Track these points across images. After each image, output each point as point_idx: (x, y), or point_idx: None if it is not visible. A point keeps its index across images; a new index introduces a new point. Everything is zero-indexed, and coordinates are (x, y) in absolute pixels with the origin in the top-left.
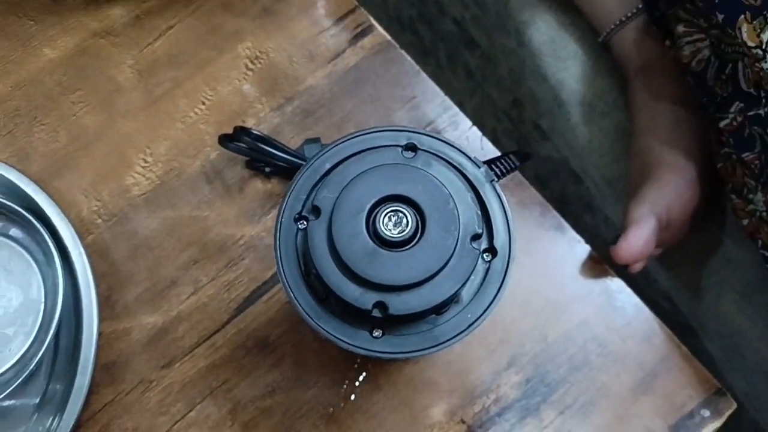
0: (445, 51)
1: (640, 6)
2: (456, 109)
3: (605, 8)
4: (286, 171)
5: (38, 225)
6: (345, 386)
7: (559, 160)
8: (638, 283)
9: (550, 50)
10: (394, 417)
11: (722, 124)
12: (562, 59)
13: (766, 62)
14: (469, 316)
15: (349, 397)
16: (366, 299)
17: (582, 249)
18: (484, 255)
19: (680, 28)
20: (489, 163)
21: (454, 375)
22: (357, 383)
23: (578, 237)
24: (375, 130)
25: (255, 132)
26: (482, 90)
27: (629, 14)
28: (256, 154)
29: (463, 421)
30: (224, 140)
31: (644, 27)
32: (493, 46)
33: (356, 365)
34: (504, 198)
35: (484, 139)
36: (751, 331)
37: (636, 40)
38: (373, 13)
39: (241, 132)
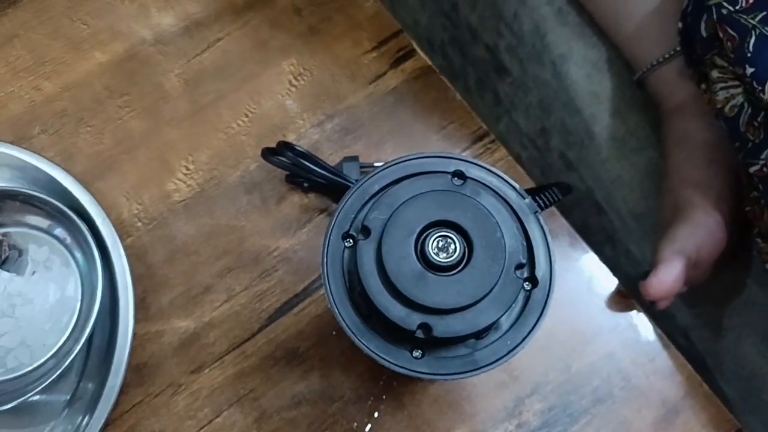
0: (475, 76)
1: (678, 48)
2: (492, 136)
3: (643, 48)
4: (324, 187)
5: (80, 224)
6: (370, 402)
7: (584, 190)
8: (656, 317)
9: (585, 84)
10: None
11: (752, 169)
12: (596, 94)
13: None
14: (508, 342)
15: (374, 414)
16: (411, 320)
17: (609, 282)
18: (525, 284)
19: (715, 74)
20: (532, 193)
21: (477, 398)
22: (382, 400)
23: (605, 268)
24: (424, 155)
25: (298, 147)
26: (509, 116)
27: (667, 55)
28: (297, 170)
29: None
30: (267, 154)
31: (681, 68)
32: (525, 74)
33: (381, 382)
34: (547, 229)
35: (518, 167)
36: None
37: (672, 81)
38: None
39: (284, 147)
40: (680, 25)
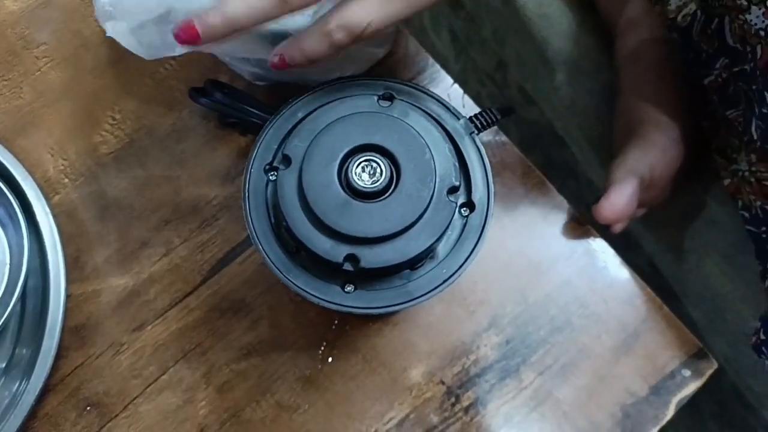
0: (429, 13)
1: None
2: (437, 66)
3: None
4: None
5: (1, 184)
6: (322, 348)
7: (544, 124)
8: (621, 246)
9: (534, 7)
10: (373, 379)
11: (707, 80)
12: (547, 17)
13: (749, 14)
14: (444, 271)
15: (327, 360)
16: (337, 252)
17: (564, 210)
18: (462, 210)
19: None
20: (470, 116)
21: (433, 336)
22: (334, 345)
23: (561, 197)
24: (351, 79)
25: (227, 86)
26: (466, 53)
27: None
28: (228, 110)
29: (442, 382)
30: (194, 94)
31: None
32: (478, 6)
33: (334, 327)
34: (483, 151)
35: (466, 97)
36: (733, 293)
37: None
38: None
39: (212, 86)
40: None
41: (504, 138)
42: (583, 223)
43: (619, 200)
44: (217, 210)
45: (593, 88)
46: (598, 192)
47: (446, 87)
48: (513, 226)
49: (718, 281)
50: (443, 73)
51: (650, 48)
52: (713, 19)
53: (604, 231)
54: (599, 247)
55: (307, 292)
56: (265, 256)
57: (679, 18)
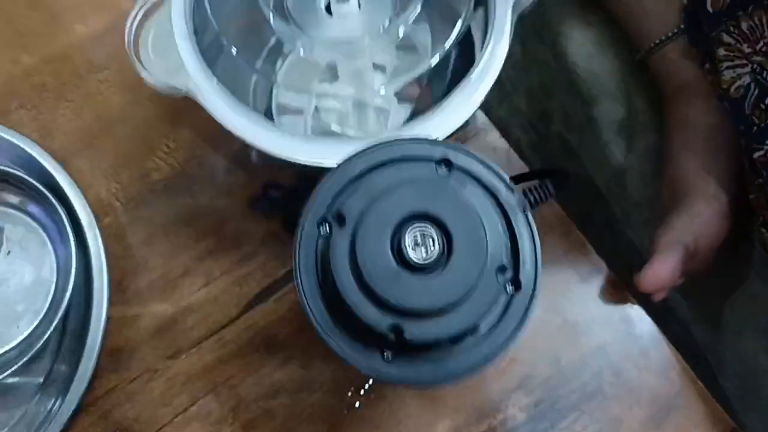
0: None
1: (682, 26)
2: (485, 118)
3: (646, 26)
4: None
5: (56, 203)
6: (350, 393)
7: (584, 178)
8: (657, 311)
9: (586, 64)
10: (399, 430)
11: (756, 155)
12: (596, 75)
13: None
14: (485, 350)
15: (354, 405)
16: (382, 321)
17: (603, 272)
18: (507, 287)
19: (721, 52)
20: (521, 181)
21: (462, 391)
22: (362, 391)
23: (600, 259)
24: (411, 139)
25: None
26: (511, 100)
27: (670, 33)
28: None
29: None
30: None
31: (685, 47)
32: (526, 55)
33: (362, 373)
34: (535, 230)
35: (511, 152)
36: None
37: (675, 61)
38: None
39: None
40: (685, 0)
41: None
42: (621, 287)
43: (663, 270)
44: (259, 245)
45: (639, 149)
46: (636, 253)
47: (493, 140)
48: (550, 284)
49: (755, 357)
50: (491, 125)
51: (702, 115)
52: (767, 94)
53: (641, 296)
54: (636, 314)
55: (347, 354)
56: (310, 312)
57: (732, 89)
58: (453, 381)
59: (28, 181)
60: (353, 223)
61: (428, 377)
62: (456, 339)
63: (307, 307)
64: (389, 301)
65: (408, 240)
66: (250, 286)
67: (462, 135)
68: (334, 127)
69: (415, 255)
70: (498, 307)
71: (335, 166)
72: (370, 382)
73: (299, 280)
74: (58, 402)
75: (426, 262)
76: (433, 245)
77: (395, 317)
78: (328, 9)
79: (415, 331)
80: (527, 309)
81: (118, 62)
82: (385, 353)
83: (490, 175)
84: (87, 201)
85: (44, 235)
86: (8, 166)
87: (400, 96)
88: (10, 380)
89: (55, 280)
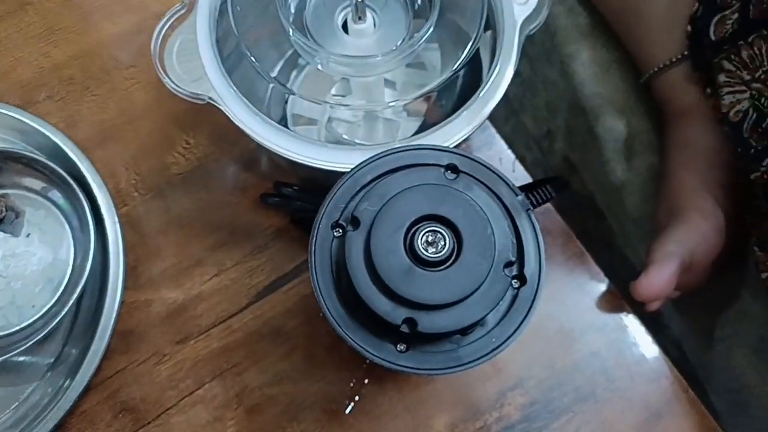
0: None
1: (686, 53)
2: (492, 130)
3: (652, 50)
4: None
5: (78, 190)
6: (352, 385)
7: (585, 195)
8: (649, 325)
9: (591, 85)
10: (396, 423)
11: (753, 176)
12: (601, 95)
13: None
14: (493, 340)
15: (354, 397)
16: (396, 314)
17: (600, 282)
18: (513, 282)
19: (722, 78)
20: (526, 190)
21: (459, 388)
22: (364, 384)
23: (598, 269)
24: (418, 147)
25: (295, 185)
26: (517, 117)
27: (674, 59)
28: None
29: None
30: (266, 197)
31: (688, 73)
32: (535, 75)
33: (365, 365)
34: (538, 228)
35: (517, 163)
36: (760, 387)
37: (678, 85)
38: None
39: (281, 186)
40: (689, 28)
41: (548, 205)
42: (617, 296)
43: (658, 279)
44: (270, 239)
45: (641, 167)
46: (632, 268)
47: (499, 151)
48: (549, 291)
49: (745, 373)
50: (498, 138)
51: (702, 137)
52: (765, 119)
53: (637, 307)
54: (631, 323)
55: (363, 348)
56: (327, 310)
57: (731, 113)
58: (462, 369)
59: (52, 167)
60: (368, 225)
61: (439, 366)
62: (465, 330)
63: (323, 303)
64: (403, 295)
65: (420, 239)
66: (260, 278)
67: (469, 145)
68: (345, 137)
69: (426, 252)
70: (505, 301)
71: (348, 171)
72: (372, 376)
73: (315, 279)
74: (68, 381)
75: (437, 258)
76: (444, 243)
77: (409, 310)
78: (345, 27)
79: (427, 323)
80: (532, 301)
81: (143, 61)
82: (398, 345)
83: (495, 179)
84: (108, 190)
85: (64, 220)
86: (34, 153)
87: (409, 110)
88: (21, 358)
89: (71, 263)
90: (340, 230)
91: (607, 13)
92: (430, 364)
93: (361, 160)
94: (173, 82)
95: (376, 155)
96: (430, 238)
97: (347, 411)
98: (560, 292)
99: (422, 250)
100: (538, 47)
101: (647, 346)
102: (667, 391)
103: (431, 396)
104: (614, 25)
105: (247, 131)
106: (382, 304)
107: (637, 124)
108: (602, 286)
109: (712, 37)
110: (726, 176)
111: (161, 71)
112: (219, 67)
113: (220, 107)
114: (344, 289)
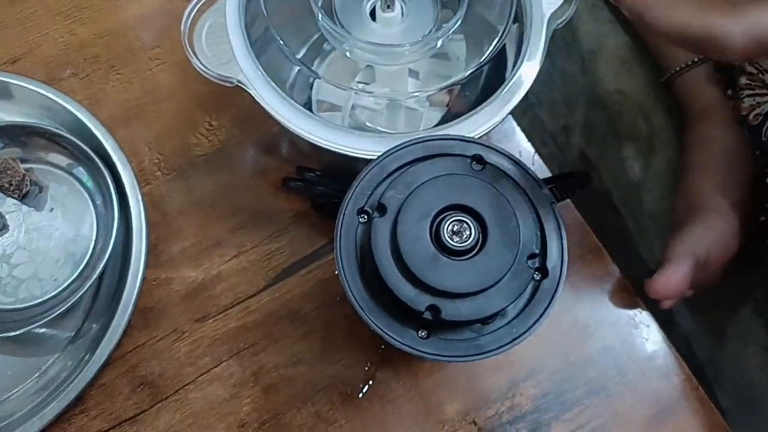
0: None
1: None
2: (513, 123)
3: (673, 51)
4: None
5: (102, 167)
6: (367, 368)
7: (602, 191)
8: (659, 322)
9: (612, 81)
10: (409, 408)
11: None
12: (623, 93)
13: None
14: (513, 330)
15: (369, 380)
16: (420, 301)
17: (615, 277)
18: (535, 274)
19: (743, 80)
20: (549, 183)
21: (472, 376)
22: (378, 368)
23: (614, 265)
24: (445, 137)
25: (317, 170)
26: (534, 111)
27: (696, 59)
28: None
29: (474, 423)
30: (288, 182)
31: (709, 74)
32: (554, 69)
33: (380, 350)
34: (562, 222)
35: (536, 157)
36: None
37: (699, 85)
38: None
39: (303, 171)
40: None
41: (567, 199)
42: (632, 293)
43: (673, 278)
44: (290, 222)
45: (659, 165)
46: (646, 265)
47: (518, 144)
48: (564, 285)
49: (755, 373)
50: (518, 130)
51: (721, 138)
52: None
53: (650, 304)
54: (644, 319)
55: (386, 333)
56: (351, 295)
57: (751, 116)
58: (482, 357)
59: (77, 143)
60: (394, 212)
61: (460, 353)
62: (487, 319)
63: (348, 288)
64: (428, 282)
65: (445, 228)
66: (279, 261)
67: (489, 137)
68: (368, 124)
69: (452, 241)
70: (527, 292)
71: (375, 158)
72: (387, 361)
73: (341, 264)
74: (88, 354)
75: (462, 247)
76: (470, 233)
77: (432, 297)
78: (373, 14)
79: (450, 310)
80: (554, 294)
81: (168, 42)
82: (420, 332)
83: (520, 171)
84: (131, 168)
85: (87, 197)
86: (59, 129)
87: (432, 101)
88: (43, 330)
89: (94, 238)
90: (366, 216)
91: None
92: (450, 351)
93: (387, 148)
94: (202, 65)
95: (403, 143)
96: (455, 228)
97: (361, 394)
98: (576, 287)
99: (448, 239)
100: (558, 40)
101: (659, 343)
102: (678, 387)
103: (444, 383)
104: (636, 23)
105: (275, 116)
106: (406, 291)
107: (657, 122)
108: (617, 282)
109: None
110: (744, 177)
111: (191, 53)
112: (248, 51)
113: (249, 90)
114: (368, 274)
